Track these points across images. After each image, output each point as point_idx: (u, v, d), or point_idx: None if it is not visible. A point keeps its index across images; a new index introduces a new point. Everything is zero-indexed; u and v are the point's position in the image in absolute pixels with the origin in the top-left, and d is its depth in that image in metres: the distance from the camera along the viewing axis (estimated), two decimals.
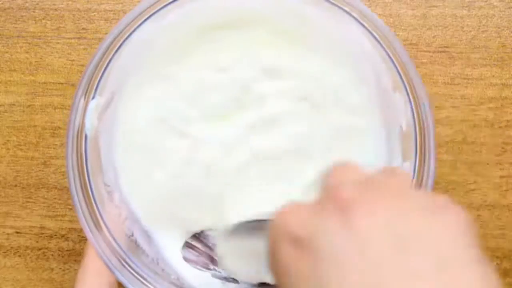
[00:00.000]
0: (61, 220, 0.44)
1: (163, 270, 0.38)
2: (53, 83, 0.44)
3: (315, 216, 0.24)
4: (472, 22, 0.44)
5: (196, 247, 0.41)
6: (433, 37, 0.44)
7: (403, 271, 0.21)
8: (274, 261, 0.25)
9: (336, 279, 0.21)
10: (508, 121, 0.44)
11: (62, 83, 0.44)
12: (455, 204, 0.23)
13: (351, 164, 0.27)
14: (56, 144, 0.44)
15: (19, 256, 0.44)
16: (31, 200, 0.44)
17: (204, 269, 0.40)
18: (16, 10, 0.45)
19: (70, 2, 0.45)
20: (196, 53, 0.39)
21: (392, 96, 0.37)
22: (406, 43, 0.44)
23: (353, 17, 0.35)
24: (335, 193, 0.24)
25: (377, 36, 0.35)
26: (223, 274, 0.40)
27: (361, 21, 0.35)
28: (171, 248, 0.39)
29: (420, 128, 0.35)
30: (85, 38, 0.45)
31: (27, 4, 0.45)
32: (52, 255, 0.44)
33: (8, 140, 0.44)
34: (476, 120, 0.44)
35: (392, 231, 0.22)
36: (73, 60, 0.44)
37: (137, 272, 0.35)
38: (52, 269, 0.44)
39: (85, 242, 0.43)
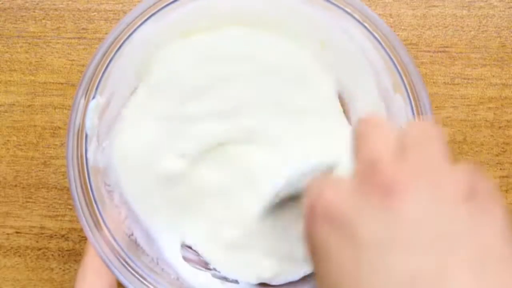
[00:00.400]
0: (61, 220, 0.44)
1: (163, 270, 0.38)
2: (53, 83, 0.44)
3: (355, 196, 0.22)
4: (472, 22, 0.44)
5: None
6: (433, 37, 0.44)
7: (442, 264, 0.20)
8: (311, 241, 0.24)
9: (378, 267, 0.20)
10: (508, 121, 0.44)
11: (62, 83, 0.44)
12: (496, 192, 0.23)
13: (381, 123, 0.25)
14: (56, 144, 0.44)
15: (19, 256, 0.44)
16: (31, 200, 0.44)
17: (204, 269, 0.40)
18: (16, 10, 0.45)
19: (70, 2, 0.45)
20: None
21: (392, 97, 0.37)
22: (406, 43, 0.44)
23: (354, 17, 0.35)
24: (375, 171, 0.22)
25: (377, 37, 0.35)
26: (223, 274, 0.40)
27: (362, 22, 0.35)
28: (171, 248, 0.39)
29: None
30: (85, 38, 0.44)
31: (27, 4, 0.45)
32: (52, 255, 0.44)
33: (8, 140, 0.44)
34: (476, 120, 0.44)
35: (434, 221, 0.21)
36: (73, 60, 0.44)
37: (137, 272, 0.35)
38: (52, 269, 0.44)
39: (85, 242, 0.43)
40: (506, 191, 0.43)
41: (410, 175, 0.22)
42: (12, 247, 0.44)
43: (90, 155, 0.36)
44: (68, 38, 0.45)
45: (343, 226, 0.22)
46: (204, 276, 0.39)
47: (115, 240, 0.35)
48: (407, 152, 0.23)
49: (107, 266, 0.34)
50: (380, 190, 0.22)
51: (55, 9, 0.45)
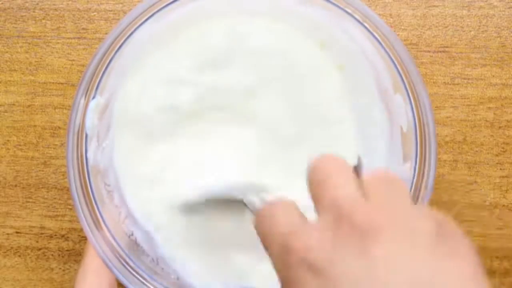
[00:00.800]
0: (61, 220, 0.44)
1: (163, 270, 0.38)
2: (53, 83, 0.44)
3: (331, 241, 0.23)
4: (472, 22, 0.44)
5: None
6: (433, 37, 0.44)
7: None
8: (285, 281, 0.24)
9: None
10: (508, 121, 0.44)
11: (62, 83, 0.44)
12: (462, 234, 0.23)
13: (339, 162, 0.26)
14: (56, 144, 0.44)
15: (19, 256, 0.44)
16: (31, 200, 0.44)
17: None
18: (16, 10, 0.45)
19: (70, 2, 0.45)
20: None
21: (392, 97, 0.37)
22: (406, 43, 0.44)
23: (354, 17, 0.35)
24: (345, 214, 0.23)
25: (377, 37, 0.35)
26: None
27: (362, 22, 0.35)
28: (171, 247, 0.39)
29: (420, 128, 0.35)
30: (85, 38, 0.44)
31: (27, 4, 0.45)
32: (52, 255, 0.44)
33: (8, 140, 0.44)
34: (476, 120, 0.44)
35: (409, 266, 0.21)
36: (73, 60, 0.44)
37: (137, 272, 0.35)
38: (52, 269, 0.44)
39: (85, 242, 0.43)
40: (506, 191, 0.43)
41: (381, 217, 0.22)
42: (12, 247, 0.44)
43: (90, 155, 0.36)
44: (68, 38, 0.45)
45: (321, 271, 0.22)
46: (204, 276, 0.39)
47: (115, 240, 0.36)
48: (371, 195, 0.24)
49: (107, 266, 0.34)
50: (355, 234, 0.22)
51: (55, 9, 0.45)
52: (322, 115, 0.39)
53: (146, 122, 0.39)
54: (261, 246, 0.37)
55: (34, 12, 0.45)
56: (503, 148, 0.44)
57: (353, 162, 0.26)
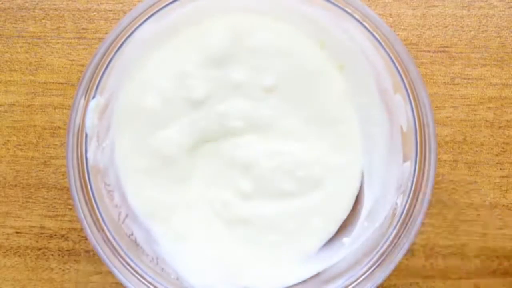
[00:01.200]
0: (61, 220, 0.44)
1: (163, 270, 0.38)
2: (53, 83, 0.44)
3: None
4: (472, 22, 0.44)
5: None
6: (433, 37, 0.44)
7: None
8: None
9: None
10: (508, 121, 0.44)
11: (62, 83, 0.44)
12: None
13: None
14: (56, 144, 0.44)
15: (19, 256, 0.44)
16: (31, 200, 0.44)
17: None
18: (16, 10, 0.45)
19: (70, 2, 0.45)
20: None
21: (392, 97, 0.37)
22: (406, 43, 0.44)
23: (354, 17, 0.35)
24: None
25: (377, 37, 0.35)
26: None
27: (362, 22, 0.35)
28: (171, 247, 0.39)
29: (420, 128, 0.35)
30: (85, 38, 0.45)
31: (27, 4, 0.45)
32: (52, 255, 0.44)
33: (8, 140, 0.44)
34: (476, 120, 0.44)
35: None
36: (73, 60, 0.44)
37: (137, 272, 0.35)
38: (52, 269, 0.44)
39: (85, 242, 0.43)
40: (506, 191, 0.43)
41: None
42: (12, 247, 0.44)
43: (90, 155, 0.36)
44: (68, 38, 0.45)
45: None
46: (204, 276, 0.39)
47: (115, 240, 0.36)
48: None
49: (107, 266, 0.34)
50: None
51: (55, 9, 0.45)
52: (326, 114, 0.39)
53: (150, 115, 0.38)
54: (260, 245, 0.37)
55: (34, 12, 0.45)
56: (503, 148, 0.44)
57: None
